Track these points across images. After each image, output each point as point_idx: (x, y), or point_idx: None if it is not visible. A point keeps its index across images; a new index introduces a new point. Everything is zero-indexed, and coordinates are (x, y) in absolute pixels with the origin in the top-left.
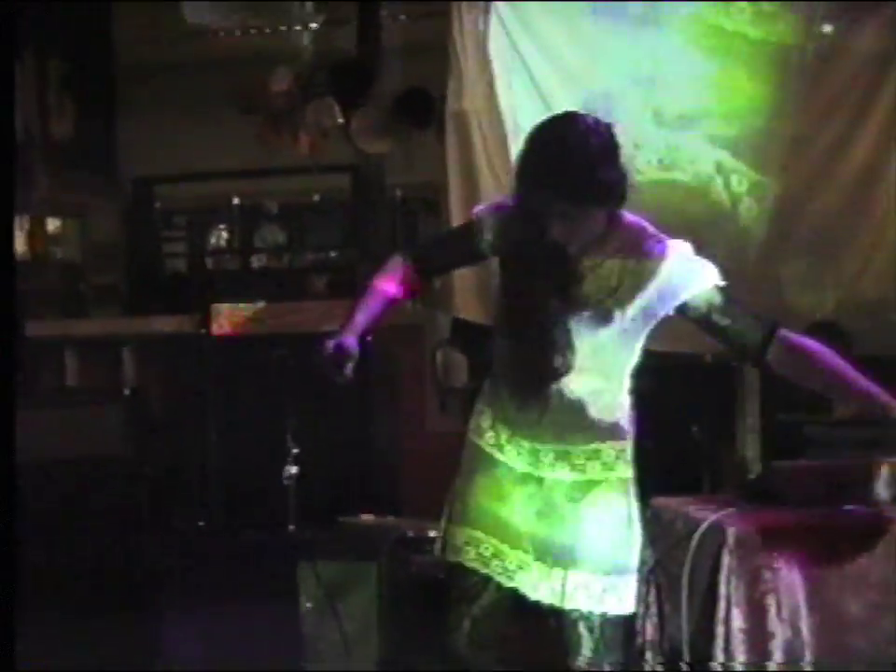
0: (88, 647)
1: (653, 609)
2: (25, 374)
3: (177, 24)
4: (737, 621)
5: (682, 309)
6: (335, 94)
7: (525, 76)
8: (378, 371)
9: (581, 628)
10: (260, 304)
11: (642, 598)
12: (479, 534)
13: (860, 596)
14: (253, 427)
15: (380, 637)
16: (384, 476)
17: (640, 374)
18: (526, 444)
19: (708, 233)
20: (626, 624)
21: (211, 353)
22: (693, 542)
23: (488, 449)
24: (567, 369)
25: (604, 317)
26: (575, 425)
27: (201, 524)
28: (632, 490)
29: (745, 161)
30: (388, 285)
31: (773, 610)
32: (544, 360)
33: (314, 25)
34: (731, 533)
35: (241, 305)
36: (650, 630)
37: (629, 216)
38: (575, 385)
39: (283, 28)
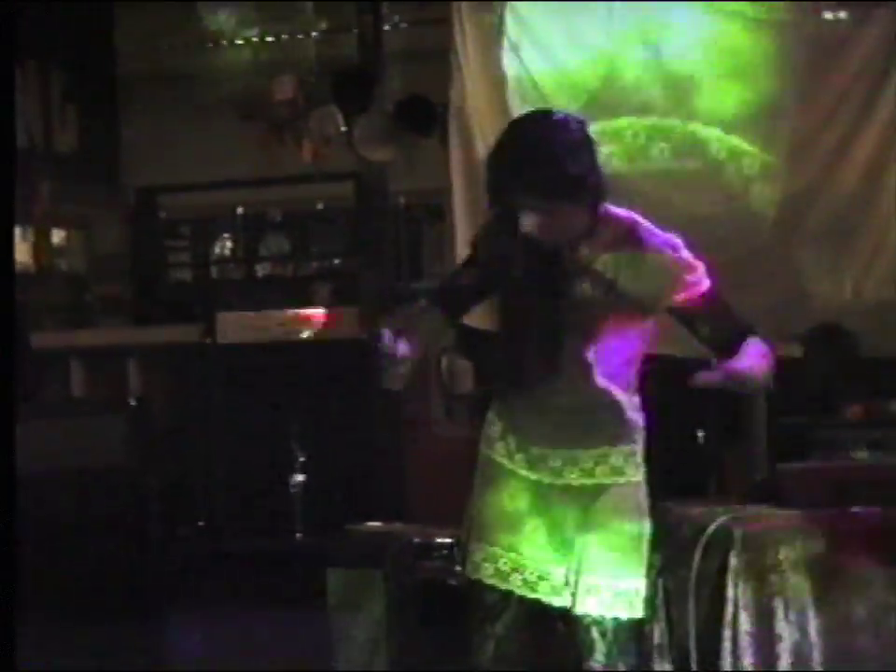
0: (93, 654)
1: (661, 613)
2: (31, 385)
3: (180, 33)
4: (745, 623)
5: (669, 307)
6: (338, 102)
7: (525, 76)
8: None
9: (594, 633)
10: (265, 312)
11: (650, 602)
12: (496, 549)
13: (867, 598)
14: (259, 436)
15: (387, 643)
16: (389, 482)
17: (646, 378)
18: (536, 451)
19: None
20: (637, 628)
21: (216, 362)
22: (700, 545)
23: (499, 459)
24: (569, 370)
25: (603, 314)
26: (582, 428)
27: (200, 523)
28: (642, 494)
29: (754, 142)
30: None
31: (780, 613)
32: (545, 363)
33: (315, 33)
34: (738, 536)
35: (246, 314)
36: (658, 633)
37: (619, 210)
38: (580, 386)
39: (285, 37)
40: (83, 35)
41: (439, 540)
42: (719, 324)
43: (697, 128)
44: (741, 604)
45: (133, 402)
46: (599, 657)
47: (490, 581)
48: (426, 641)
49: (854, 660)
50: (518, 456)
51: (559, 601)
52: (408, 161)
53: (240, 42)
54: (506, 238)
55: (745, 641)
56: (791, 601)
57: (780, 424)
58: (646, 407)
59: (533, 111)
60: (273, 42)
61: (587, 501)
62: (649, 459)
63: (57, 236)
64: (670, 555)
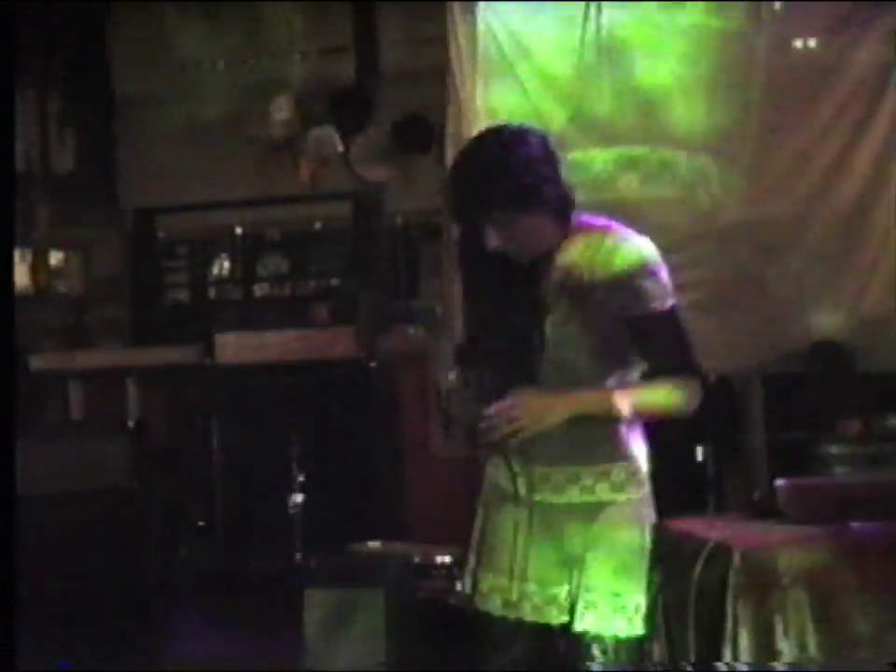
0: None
1: (661, 630)
2: (31, 407)
3: (176, 55)
4: (744, 640)
5: (629, 320)
6: (335, 122)
7: (522, 97)
8: (382, 398)
9: (594, 650)
10: (263, 333)
11: (650, 618)
12: (503, 580)
13: (867, 614)
14: (258, 456)
15: (387, 661)
16: (389, 502)
17: None
18: (538, 470)
19: (697, 246)
20: (636, 645)
21: (215, 382)
22: (700, 562)
23: (503, 483)
24: (561, 385)
25: (588, 324)
26: (582, 445)
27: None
28: (645, 511)
29: (722, 160)
30: None
31: (780, 629)
32: (535, 380)
33: (312, 54)
34: (737, 552)
35: (244, 334)
36: (657, 651)
37: (594, 218)
38: None
39: (282, 57)
40: (79, 57)
41: (439, 560)
42: (660, 348)
43: (666, 154)
44: (741, 620)
45: (131, 424)
46: None
47: (500, 613)
48: (426, 660)
49: None
50: (520, 479)
51: (559, 620)
52: (405, 180)
53: (237, 62)
54: (476, 256)
55: (744, 658)
56: (791, 617)
57: (780, 439)
58: (645, 423)
59: (490, 126)
60: (270, 62)
61: (588, 518)
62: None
63: (55, 258)
64: (670, 572)
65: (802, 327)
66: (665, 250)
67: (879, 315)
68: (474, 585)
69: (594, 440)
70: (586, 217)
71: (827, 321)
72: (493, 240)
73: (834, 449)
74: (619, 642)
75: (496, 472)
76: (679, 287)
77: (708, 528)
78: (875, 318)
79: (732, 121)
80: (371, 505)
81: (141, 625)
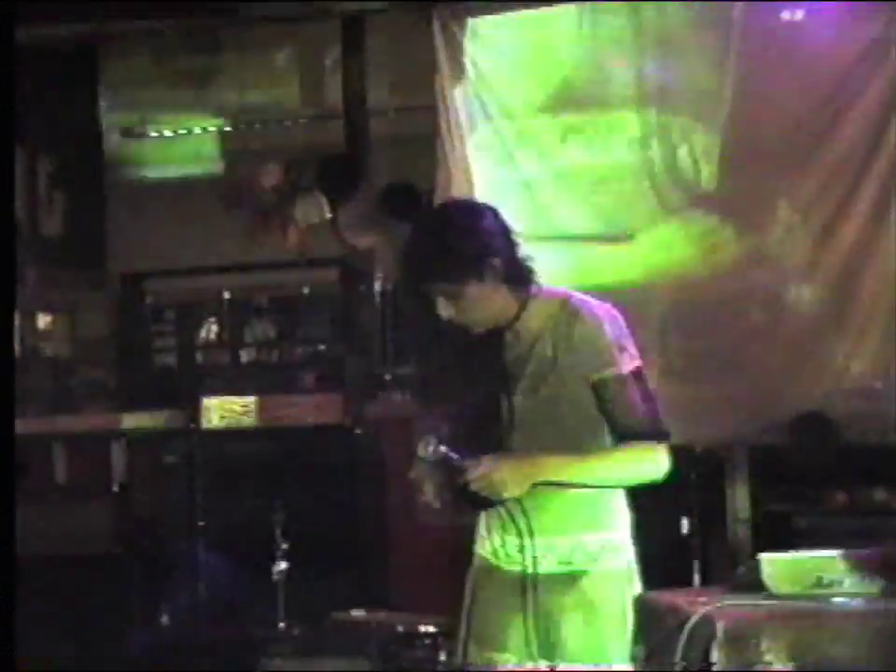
0: None
1: None
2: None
3: (166, 120)
4: None
5: (594, 385)
6: (323, 189)
7: (512, 165)
8: (368, 465)
9: None
10: (250, 398)
11: None
12: (492, 654)
13: None
14: (242, 522)
15: None
16: (374, 570)
17: None
18: (517, 542)
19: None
20: None
21: (200, 447)
22: (684, 636)
23: (488, 557)
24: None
25: (552, 391)
26: (557, 515)
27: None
28: (624, 582)
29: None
30: None
31: None
32: (504, 450)
33: (302, 120)
34: (720, 627)
35: (230, 399)
36: None
37: (552, 288)
38: None
39: (272, 123)
40: (69, 120)
41: (423, 629)
42: (625, 411)
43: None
44: None
45: (115, 488)
46: None
47: None
48: None
49: None
50: (501, 551)
51: None
52: (393, 246)
53: (227, 128)
54: (436, 328)
55: None
56: None
57: (765, 512)
58: (629, 495)
59: (441, 201)
60: (259, 128)
61: (566, 590)
62: (634, 547)
63: (42, 321)
64: (654, 646)
65: (787, 398)
66: (651, 319)
67: (864, 386)
68: (465, 656)
69: (566, 509)
70: (547, 287)
71: (812, 392)
72: (445, 311)
73: (821, 522)
74: None
75: (480, 544)
76: (666, 356)
77: (693, 602)
78: (860, 390)
79: (708, 83)
80: (355, 573)
81: None
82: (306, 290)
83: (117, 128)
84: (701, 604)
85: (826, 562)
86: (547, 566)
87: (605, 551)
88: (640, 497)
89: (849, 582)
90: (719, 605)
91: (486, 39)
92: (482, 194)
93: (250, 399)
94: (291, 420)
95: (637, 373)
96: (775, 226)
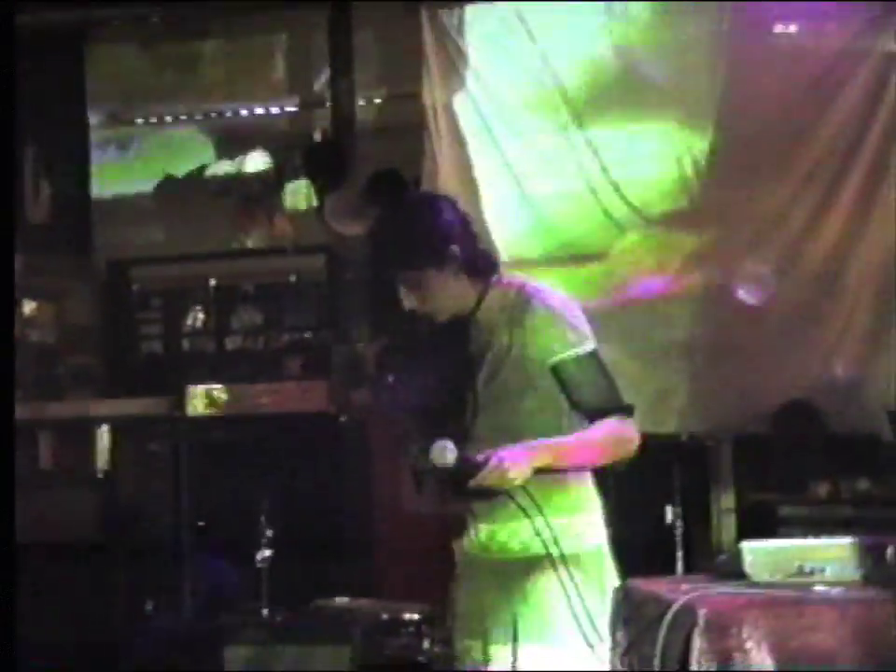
0: None
1: None
2: None
3: (152, 107)
4: None
5: (553, 368)
6: (310, 176)
7: (497, 155)
8: (353, 452)
9: None
10: (235, 385)
11: None
12: (468, 642)
13: None
14: (227, 509)
15: None
16: (358, 557)
17: None
18: (485, 528)
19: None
20: None
21: (185, 434)
22: (665, 624)
23: (465, 545)
24: (494, 441)
25: (514, 377)
26: (499, 500)
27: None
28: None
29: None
30: None
31: None
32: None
33: (289, 108)
34: (701, 615)
35: (216, 386)
36: None
37: (510, 276)
38: None
39: (259, 111)
40: (55, 107)
41: (407, 617)
42: (588, 392)
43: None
44: None
45: (100, 475)
46: None
47: None
48: None
49: None
50: (475, 539)
51: None
52: None
53: (213, 115)
54: (400, 316)
55: None
56: None
57: (749, 501)
58: (614, 484)
59: (404, 194)
60: (245, 116)
61: (511, 574)
62: (617, 536)
63: (27, 308)
64: (636, 634)
65: (773, 388)
66: (636, 311)
67: (850, 376)
68: (452, 643)
69: (530, 495)
70: (506, 277)
71: (797, 383)
72: (408, 301)
73: (804, 511)
74: None
75: (459, 535)
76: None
77: (675, 590)
78: (846, 380)
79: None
80: (339, 560)
81: None
82: (293, 278)
83: (103, 114)
84: (683, 592)
85: (807, 550)
86: (494, 552)
87: (535, 536)
88: (625, 485)
89: (830, 571)
90: (699, 593)
91: (475, 27)
92: (469, 186)
93: (235, 387)
94: (276, 407)
95: (593, 353)
96: (759, 220)
